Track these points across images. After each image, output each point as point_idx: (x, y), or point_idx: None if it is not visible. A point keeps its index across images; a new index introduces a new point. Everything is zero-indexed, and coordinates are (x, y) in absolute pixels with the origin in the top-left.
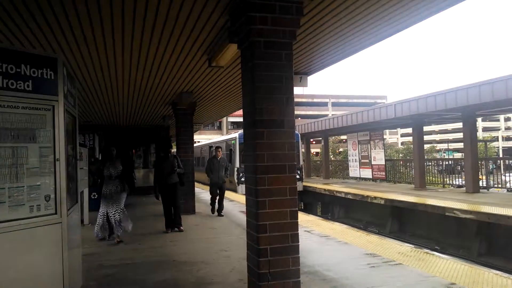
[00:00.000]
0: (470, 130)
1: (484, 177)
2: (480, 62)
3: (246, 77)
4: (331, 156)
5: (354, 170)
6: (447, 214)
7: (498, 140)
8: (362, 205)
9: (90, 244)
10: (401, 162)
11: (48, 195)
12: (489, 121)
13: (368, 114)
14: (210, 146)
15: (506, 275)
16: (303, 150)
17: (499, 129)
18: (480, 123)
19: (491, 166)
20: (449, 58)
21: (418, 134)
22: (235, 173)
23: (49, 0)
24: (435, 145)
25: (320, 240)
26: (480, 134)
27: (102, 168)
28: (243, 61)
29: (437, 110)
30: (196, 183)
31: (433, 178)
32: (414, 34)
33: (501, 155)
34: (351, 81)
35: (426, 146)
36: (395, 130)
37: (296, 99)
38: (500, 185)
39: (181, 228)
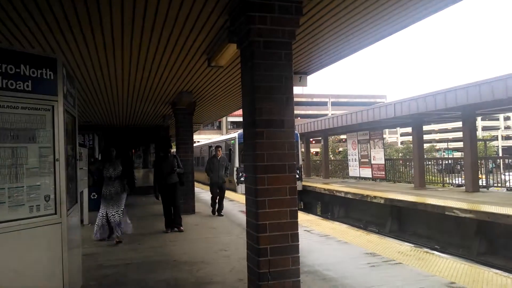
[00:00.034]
0: (469, 129)
1: (483, 176)
2: (479, 61)
3: (245, 76)
4: (331, 156)
5: (354, 169)
6: (446, 213)
7: (497, 139)
8: (362, 204)
9: (90, 244)
10: (401, 162)
11: (47, 195)
12: (489, 120)
13: (367, 113)
14: (209, 146)
15: (506, 274)
16: (303, 149)
17: (498, 128)
18: (480, 122)
19: (490, 165)
20: (449, 57)
21: (418, 134)
22: (235, 172)
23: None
24: (435, 144)
25: (320, 239)
26: (480, 133)
27: (101, 168)
28: (243, 60)
29: (437, 110)
30: (195, 183)
31: (433, 178)
32: (413, 34)
33: (500, 154)
34: (350, 81)
35: (425, 146)
36: (395, 129)
37: (295, 99)
38: (499, 184)
39: (181, 228)
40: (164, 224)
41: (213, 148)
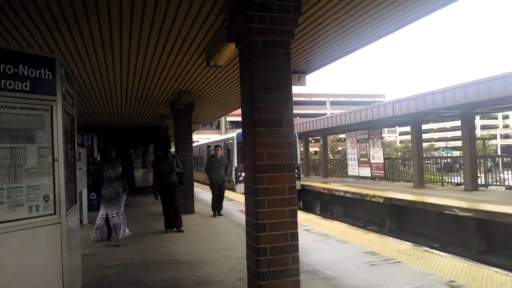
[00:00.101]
0: (468, 128)
1: (482, 175)
2: (478, 60)
3: (244, 76)
4: (330, 155)
5: (353, 168)
6: (446, 212)
7: (496, 138)
8: (361, 203)
9: (89, 244)
10: (400, 161)
11: (47, 195)
12: (487, 119)
13: (366, 112)
14: (208, 145)
15: (506, 272)
16: (302, 149)
17: (497, 127)
18: (478, 121)
19: (489, 164)
20: (447, 56)
21: (417, 133)
22: (233, 172)
23: None
24: (434, 143)
25: (319, 238)
26: (478, 132)
27: (101, 169)
28: (241, 60)
29: (435, 108)
30: (194, 183)
31: (432, 176)
32: (411, 33)
33: (499, 153)
34: (349, 80)
35: (424, 144)
36: (394, 128)
37: (294, 98)
38: (498, 183)
39: (181, 228)
40: (163, 224)
41: (212, 147)
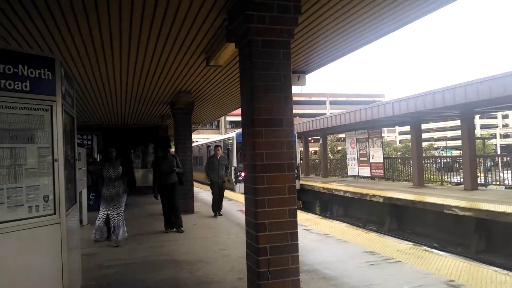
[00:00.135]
0: (468, 128)
1: (482, 175)
2: (477, 60)
3: (244, 76)
4: (330, 155)
5: (353, 168)
6: (445, 211)
7: (495, 138)
8: (361, 203)
9: (89, 244)
10: (400, 160)
11: (46, 195)
12: (487, 118)
13: (366, 112)
14: (207, 145)
15: (505, 271)
16: (301, 148)
17: (496, 127)
18: (478, 121)
19: (489, 163)
20: (447, 56)
21: (416, 132)
22: (233, 172)
23: None
24: (433, 142)
25: (319, 238)
26: (478, 132)
27: (101, 169)
28: (241, 60)
29: (435, 108)
30: (194, 183)
31: (432, 176)
32: (411, 32)
33: (498, 152)
34: (349, 80)
35: (424, 144)
36: (393, 128)
37: (294, 98)
38: (498, 182)
39: (182, 228)
40: (163, 224)
41: (212, 147)
